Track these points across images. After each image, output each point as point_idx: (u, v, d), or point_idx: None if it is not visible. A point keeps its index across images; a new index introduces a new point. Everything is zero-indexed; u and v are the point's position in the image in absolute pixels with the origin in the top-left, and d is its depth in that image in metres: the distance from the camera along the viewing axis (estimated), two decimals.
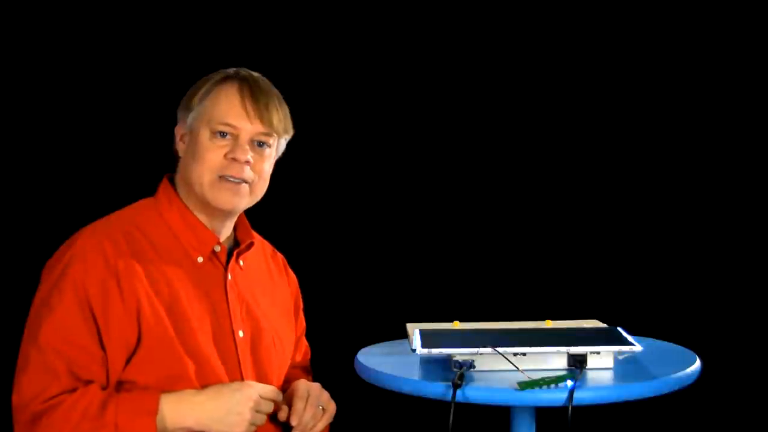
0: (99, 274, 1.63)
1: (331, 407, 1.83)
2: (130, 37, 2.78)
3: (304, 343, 2.04)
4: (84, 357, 1.61)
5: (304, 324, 2.03)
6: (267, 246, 1.99)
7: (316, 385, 1.84)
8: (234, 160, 1.73)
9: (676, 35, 2.87)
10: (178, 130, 1.80)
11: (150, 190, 1.82)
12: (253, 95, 1.76)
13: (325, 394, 1.84)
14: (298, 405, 1.77)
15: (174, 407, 1.63)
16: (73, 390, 1.59)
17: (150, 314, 1.65)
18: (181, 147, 1.79)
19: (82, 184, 2.75)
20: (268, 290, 1.91)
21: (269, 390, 1.73)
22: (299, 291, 2.02)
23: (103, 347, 1.62)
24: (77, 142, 2.76)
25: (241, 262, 1.84)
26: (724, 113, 2.88)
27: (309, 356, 2.06)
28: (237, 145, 1.73)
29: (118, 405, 1.59)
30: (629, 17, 2.88)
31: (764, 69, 2.84)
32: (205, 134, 1.74)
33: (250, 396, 1.68)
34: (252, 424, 1.68)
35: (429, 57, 2.93)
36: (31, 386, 1.59)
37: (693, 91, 2.88)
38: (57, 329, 1.60)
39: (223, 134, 1.74)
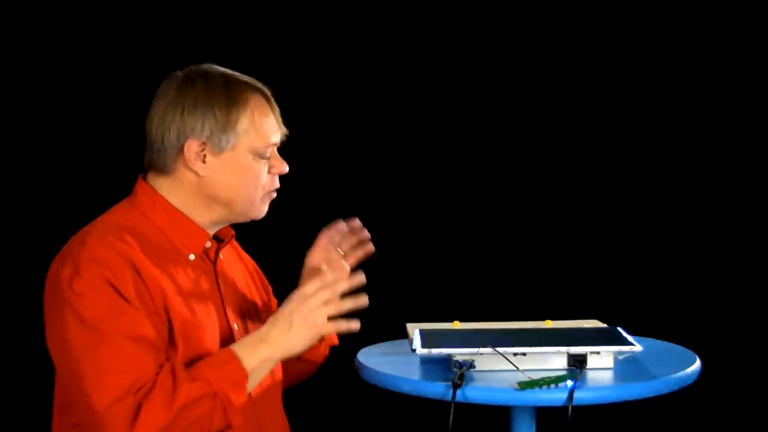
0: (124, 274, 1.60)
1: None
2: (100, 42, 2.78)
3: None
4: (151, 343, 1.59)
5: (275, 299, 2.02)
6: None
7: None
8: (279, 173, 1.78)
9: (676, 35, 2.87)
10: (191, 146, 1.70)
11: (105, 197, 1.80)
12: (273, 105, 1.77)
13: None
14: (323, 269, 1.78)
15: (243, 347, 1.64)
16: (156, 374, 1.57)
17: (176, 307, 1.65)
18: (199, 166, 1.71)
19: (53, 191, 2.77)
20: (246, 278, 1.91)
21: (313, 285, 1.68)
22: (259, 269, 2.02)
23: None
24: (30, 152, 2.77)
25: (221, 256, 1.83)
26: (723, 113, 2.88)
27: None
28: (277, 159, 1.78)
29: (200, 365, 1.60)
30: (629, 17, 2.88)
31: (764, 69, 2.85)
32: (248, 156, 1.73)
33: (298, 302, 1.66)
34: (323, 321, 1.66)
35: (423, 57, 2.93)
36: (119, 384, 1.54)
37: (692, 91, 2.88)
38: (118, 323, 1.57)
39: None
